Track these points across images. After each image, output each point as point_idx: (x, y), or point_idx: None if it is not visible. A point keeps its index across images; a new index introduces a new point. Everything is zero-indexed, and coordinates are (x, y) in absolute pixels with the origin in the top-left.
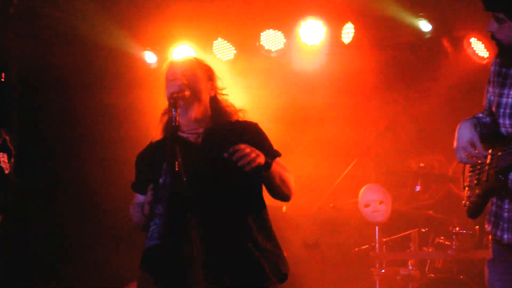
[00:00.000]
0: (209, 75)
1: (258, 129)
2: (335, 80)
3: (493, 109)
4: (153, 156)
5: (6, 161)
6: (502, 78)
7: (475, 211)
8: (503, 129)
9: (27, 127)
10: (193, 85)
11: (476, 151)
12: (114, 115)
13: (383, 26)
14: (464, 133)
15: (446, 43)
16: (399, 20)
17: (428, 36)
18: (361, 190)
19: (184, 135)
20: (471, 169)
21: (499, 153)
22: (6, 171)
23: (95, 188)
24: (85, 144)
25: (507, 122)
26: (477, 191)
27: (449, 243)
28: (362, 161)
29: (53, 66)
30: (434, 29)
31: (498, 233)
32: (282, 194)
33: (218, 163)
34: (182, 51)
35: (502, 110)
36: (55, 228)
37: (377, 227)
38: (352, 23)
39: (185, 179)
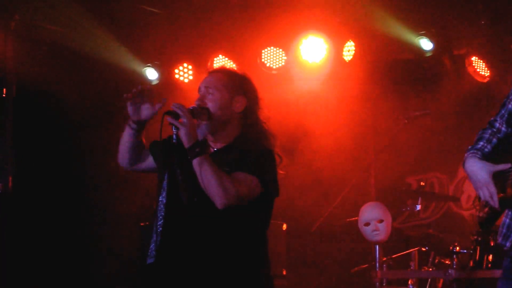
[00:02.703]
0: (240, 89)
1: (263, 154)
2: (336, 97)
3: None
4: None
5: None
6: None
7: (486, 222)
8: None
9: (25, 141)
10: (207, 105)
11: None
12: (114, 131)
13: (384, 44)
14: (479, 173)
15: (447, 61)
16: (400, 38)
17: (429, 54)
18: (362, 209)
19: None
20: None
21: None
22: None
23: (91, 202)
24: (83, 158)
25: None
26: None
27: (449, 263)
28: (362, 179)
29: (53, 81)
30: (435, 47)
31: (508, 244)
32: (210, 194)
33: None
34: (183, 67)
35: None
36: (51, 237)
37: (377, 246)
38: (354, 41)
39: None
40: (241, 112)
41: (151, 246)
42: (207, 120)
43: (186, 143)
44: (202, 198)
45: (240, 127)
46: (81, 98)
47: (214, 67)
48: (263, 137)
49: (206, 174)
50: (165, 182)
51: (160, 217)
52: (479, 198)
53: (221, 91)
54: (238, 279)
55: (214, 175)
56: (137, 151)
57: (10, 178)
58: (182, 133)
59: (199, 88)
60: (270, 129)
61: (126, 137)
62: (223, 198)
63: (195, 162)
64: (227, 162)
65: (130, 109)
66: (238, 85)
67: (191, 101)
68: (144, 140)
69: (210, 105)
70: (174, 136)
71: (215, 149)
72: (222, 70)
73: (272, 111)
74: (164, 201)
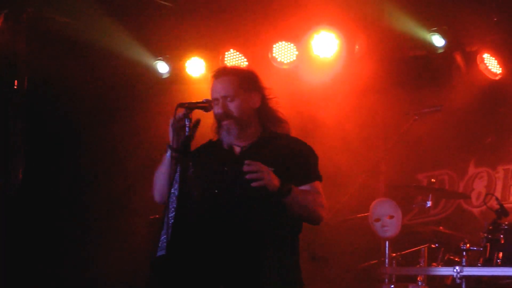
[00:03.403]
0: (252, 84)
1: (304, 149)
2: (347, 93)
3: None
4: (211, 157)
5: None
6: None
7: None
8: None
9: (36, 133)
10: (233, 113)
11: None
12: (125, 123)
13: (396, 40)
14: None
15: (458, 58)
16: (412, 35)
17: (441, 51)
18: (372, 205)
19: (233, 144)
20: None
21: None
22: None
23: (102, 194)
24: (94, 151)
25: None
26: None
27: (459, 260)
28: (372, 175)
29: (64, 74)
30: (447, 44)
31: None
32: (306, 220)
33: (247, 181)
34: (195, 63)
35: None
36: (60, 235)
37: (386, 242)
38: (365, 37)
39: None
40: (259, 107)
41: (162, 238)
42: (234, 125)
43: (272, 190)
44: (213, 191)
45: (260, 121)
46: (92, 91)
47: (219, 70)
48: (281, 120)
49: (298, 206)
50: (177, 175)
51: (172, 209)
52: None
53: (239, 95)
54: (250, 273)
55: (306, 203)
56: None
57: (21, 171)
58: (272, 183)
59: (215, 97)
60: (283, 115)
61: (164, 168)
62: (320, 219)
63: (287, 200)
64: (266, 160)
65: (173, 137)
66: (250, 82)
67: (202, 95)
68: None
69: (233, 111)
70: (186, 128)
71: (241, 146)
72: (231, 72)
73: (282, 105)
74: (176, 193)
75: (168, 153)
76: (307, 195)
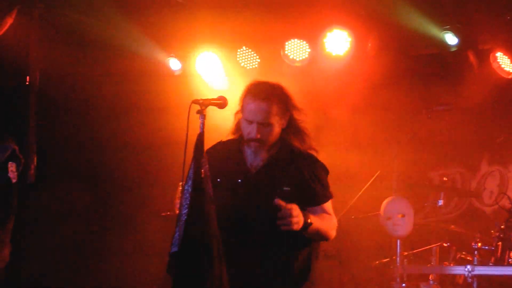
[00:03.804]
0: (286, 108)
1: (317, 168)
2: (359, 90)
3: None
4: (223, 161)
5: (15, 170)
6: None
7: None
8: None
9: (48, 129)
10: (266, 139)
11: None
12: (137, 119)
13: (408, 38)
14: None
15: (471, 56)
16: (425, 33)
17: (453, 49)
18: (383, 203)
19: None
20: None
21: None
22: (14, 180)
23: (115, 191)
24: (106, 147)
25: None
26: None
27: (470, 259)
28: (385, 174)
29: (75, 70)
30: (460, 42)
31: None
32: (319, 240)
33: (263, 199)
34: (206, 58)
35: None
36: (73, 232)
37: (398, 241)
38: (378, 35)
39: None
40: (285, 127)
41: (176, 234)
42: (263, 148)
43: (299, 228)
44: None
45: (280, 138)
46: (104, 87)
47: (257, 90)
48: (301, 138)
49: (318, 234)
50: (191, 171)
51: (185, 205)
52: None
53: (275, 122)
54: (262, 269)
55: (321, 231)
56: None
57: (33, 167)
58: (299, 226)
59: (250, 119)
60: (305, 128)
61: None
62: (330, 239)
63: (309, 231)
64: (280, 180)
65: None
66: (283, 105)
67: (214, 92)
68: None
69: (266, 137)
70: (201, 125)
71: (260, 160)
72: (269, 96)
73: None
74: (190, 190)
75: None
76: (322, 223)
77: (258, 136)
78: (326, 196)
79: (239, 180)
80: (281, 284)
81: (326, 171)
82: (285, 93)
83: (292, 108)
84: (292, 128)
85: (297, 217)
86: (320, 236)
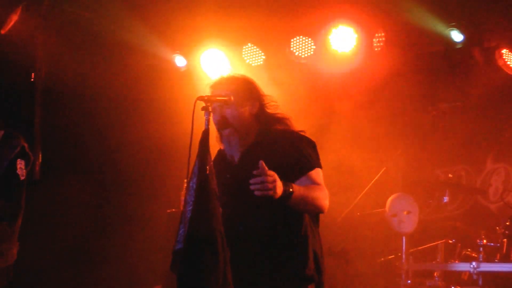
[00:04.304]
0: (249, 91)
1: (295, 140)
2: (364, 87)
3: None
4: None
5: (23, 167)
6: None
7: None
8: None
9: (53, 126)
10: (232, 120)
11: None
12: (143, 116)
13: (414, 35)
14: None
15: (477, 53)
16: (430, 30)
17: (459, 46)
18: (389, 200)
19: (228, 154)
20: None
21: None
22: (22, 177)
23: (120, 187)
24: (112, 143)
25: None
26: None
27: (476, 255)
28: (390, 170)
29: (81, 66)
30: (466, 39)
31: None
32: (310, 212)
33: (248, 184)
34: (211, 55)
35: None
36: (78, 229)
37: (403, 237)
38: (384, 31)
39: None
40: (256, 114)
41: (180, 231)
42: (234, 135)
43: (279, 195)
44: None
45: (255, 125)
46: (109, 84)
47: (215, 80)
48: (279, 119)
49: (302, 205)
50: (196, 168)
51: (190, 202)
52: None
53: (237, 102)
54: (269, 265)
55: (309, 201)
56: None
57: (38, 163)
58: (279, 191)
59: (213, 108)
60: (283, 114)
61: None
62: (323, 210)
63: (290, 203)
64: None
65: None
66: (247, 89)
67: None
68: None
69: (232, 120)
70: (206, 122)
71: (241, 151)
72: (227, 81)
73: (300, 100)
74: (195, 186)
75: None
76: (308, 191)
77: (221, 116)
78: (311, 165)
79: (227, 176)
80: (279, 281)
81: (309, 142)
82: (249, 82)
83: (259, 95)
84: (267, 115)
85: (273, 183)
86: (309, 206)
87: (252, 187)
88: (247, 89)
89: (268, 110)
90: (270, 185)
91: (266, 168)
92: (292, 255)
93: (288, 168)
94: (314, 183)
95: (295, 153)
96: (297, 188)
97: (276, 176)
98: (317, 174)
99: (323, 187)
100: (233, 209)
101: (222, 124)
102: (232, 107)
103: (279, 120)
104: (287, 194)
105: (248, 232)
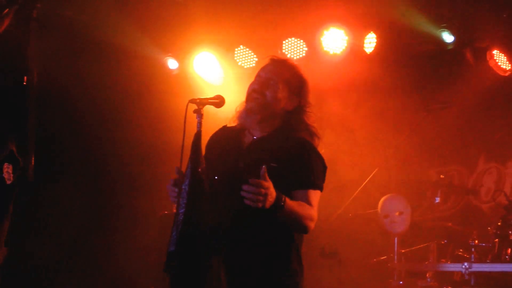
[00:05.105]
0: (296, 87)
1: (312, 154)
2: (356, 89)
3: None
4: (221, 142)
5: (11, 172)
6: None
7: None
8: None
9: (46, 130)
10: (266, 96)
11: None
12: (134, 119)
13: (405, 36)
14: None
15: (468, 54)
16: (421, 31)
17: (450, 47)
18: (381, 200)
19: (248, 133)
20: None
21: None
22: (8, 182)
23: (112, 191)
24: (104, 147)
25: None
26: None
27: (468, 256)
28: (382, 171)
29: (73, 70)
30: (457, 40)
31: None
32: (293, 228)
33: (250, 173)
34: (204, 58)
35: None
36: (71, 231)
37: (396, 238)
38: (375, 33)
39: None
40: (290, 111)
41: (173, 234)
42: (257, 109)
43: (269, 205)
44: (224, 188)
45: (282, 122)
46: (102, 87)
47: (279, 57)
48: (306, 132)
49: (288, 219)
50: (188, 171)
51: (183, 205)
52: None
53: (281, 88)
54: (260, 269)
55: (296, 217)
56: None
57: (31, 167)
58: (269, 203)
59: (259, 74)
60: (317, 131)
61: None
62: (306, 231)
63: (282, 213)
64: (271, 155)
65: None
66: (297, 86)
67: (212, 90)
68: None
69: (268, 94)
70: (198, 124)
71: (255, 137)
72: (286, 64)
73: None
74: (187, 189)
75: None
76: (298, 211)
77: (261, 87)
78: (314, 183)
79: (233, 156)
80: (270, 276)
81: (323, 164)
82: (305, 81)
83: (304, 98)
84: (299, 119)
85: (265, 196)
86: (295, 222)
87: (243, 193)
88: (297, 83)
89: (304, 117)
90: (261, 197)
91: (267, 177)
92: (280, 250)
93: (293, 176)
94: (308, 202)
95: (306, 165)
96: (289, 203)
97: (271, 187)
98: (315, 195)
99: (315, 210)
100: (226, 193)
101: (257, 91)
102: (272, 89)
103: (309, 131)
104: (277, 206)
105: (240, 219)
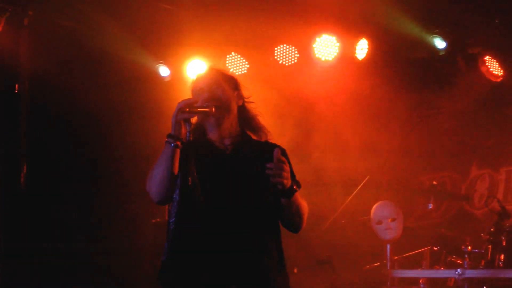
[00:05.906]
0: (234, 84)
1: (286, 156)
2: (348, 96)
3: None
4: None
5: None
6: None
7: None
8: None
9: (38, 137)
10: (220, 96)
11: None
12: (126, 126)
13: (397, 42)
14: None
15: (460, 60)
16: (413, 37)
17: (442, 53)
18: (373, 207)
19: (217, 140)
20: None
21: None
22: None
23: (106, 198)
24: (96, 155)
25: None
26: None
27: (461, 262)
28: (375, 178)
29: (66, 77)
30: (449, 46)
31: None
32: (293, 224)
33: (246, 176)
34: (196, 65)
35: None
36: (65, 237)
37: (388, 245)
38: (366, 39)
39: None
40: (240, 106)
41: (166, 243)
42: (223, 113)
43: (286, 187)
44: (217, 196)
45: (238, 123)
46: (94, 94)
47: (198, 75)
48: (262, 123)
49: (298, 209)
50: (178, 179)
51: (173, 214)
52: None
53: (225, 87)
54: (252, 277)
55: (301, 207)
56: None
57: (22, 175)
58: (289, 184)
59: (200, 87)
60: (262, 122)
61: (169, 162)
62: (302, 226)
63: (290, 200)
64: (254, 161)
65: (176, 128)
66: (232, 82)
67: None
68: None
69: (222, 96)
70: (188, 133)
71: (226, 145)
72: (213, 69)
73: (284, 107)
74: (178, 198)
75: (171, 145)
76: (303, 203)
77: (211, 93)
78: (299, 184)
79: (219, 164)
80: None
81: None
82: (234, 76)
83: (242, 91)
84: (248, 116)
85: (288, 173)
86: (298, 212)
87: (268, 171)
88: (232, 79)
89: (252, 112)
90: (286, 174)
91: (283, 158)
92: (272, 245)
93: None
94: (302, 199)
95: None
96: (298, 194)
97: (288, 168)
98: (300, 195)
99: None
100: (220, 198)
101: (210, 98)
102: (221, 89)
103: (258, 127)
104: (292, 190)
105: (235, 222)
